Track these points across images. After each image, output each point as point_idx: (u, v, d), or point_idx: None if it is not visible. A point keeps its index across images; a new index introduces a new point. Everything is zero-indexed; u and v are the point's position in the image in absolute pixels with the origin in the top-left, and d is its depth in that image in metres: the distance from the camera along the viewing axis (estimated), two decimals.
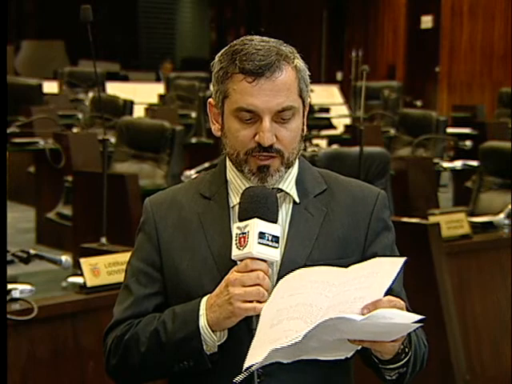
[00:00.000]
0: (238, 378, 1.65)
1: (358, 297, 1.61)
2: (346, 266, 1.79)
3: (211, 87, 1.90)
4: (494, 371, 4.31)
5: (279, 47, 1.83)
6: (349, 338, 1.64)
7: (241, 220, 1.75)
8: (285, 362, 1.68)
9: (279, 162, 1.82)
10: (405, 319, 1.59)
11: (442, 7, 15.56)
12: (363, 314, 1.58)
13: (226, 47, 1.85)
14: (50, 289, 3.16)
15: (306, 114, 1.89)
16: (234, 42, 1.85)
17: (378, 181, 5.13)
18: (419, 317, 1.58)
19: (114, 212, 4.09)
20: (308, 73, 1.87)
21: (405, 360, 1.75)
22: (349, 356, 1.70)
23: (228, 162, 1.90)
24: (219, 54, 1.86)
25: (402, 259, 1.66)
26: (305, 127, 1.88)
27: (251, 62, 1.78)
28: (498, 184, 5.50)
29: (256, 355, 1.62)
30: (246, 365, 1.64)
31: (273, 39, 1.86)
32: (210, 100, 1.90)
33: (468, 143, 8.32)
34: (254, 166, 1.82)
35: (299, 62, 1.85)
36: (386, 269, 1.65)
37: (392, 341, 1.66)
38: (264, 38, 1.85)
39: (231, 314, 1.72)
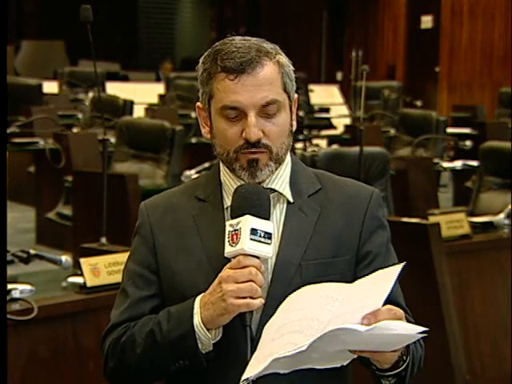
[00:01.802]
0: None
1: (357, 307, 1.61)
2: (341, 265, 1.79)
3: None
4: (494, 371, 4.31)
5: (260, 44, 1.84)
6: (350, 349, 1.64)
7: (233, 217, 1.76)
8: (282, 372, 1.68)
9: (268, 157, 1.82)
10: (408, 330, 1.59)
11: (442, 7, 15.55)
12: (363, 325, 1.57)
13: (209, 49, 1.87)
14: (50, 289, 3.15)
15: (293, 109, 1.89)
16: (216, 43, 1.86)
17: (378, 181, 5.14)
18: (422, 328, 1.58)
19: (113, 212, 4.09)
20: (292, 68, 1.87)
21: (403, 367, 1.75)
22: (345, 364, 1.70)
23: (221, 164, 1.90)
24: (202, 57, 1.88)
25: (399, 267, 1.65)
26: (294, 122, 1.89)
27: (232, 59, 1.79)
28: (498, 184, 5.50)
29: (256, 366, 1.63)
30: (245, 375, 1.64)
31: (255, 38, 1.86)
32: (198, 104, 1.92)
33: (468, 143, 8.33)
34: (243, 161, 1.82)
35: (282, 58, 1.86)
36: (384, 278, 1.65)
37: (392, 351, 1.66)
38: (246, 37, 1.86)
39: (225, 311, 1.72)
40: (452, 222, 4.31)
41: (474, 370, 4.20)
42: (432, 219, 4.28)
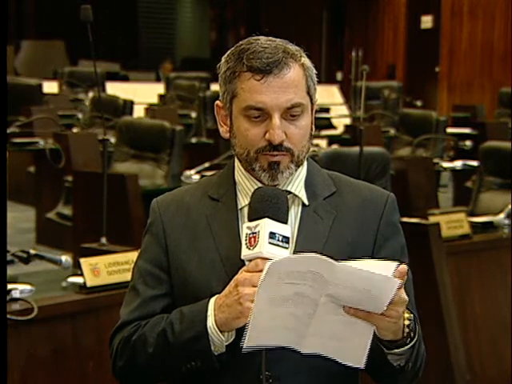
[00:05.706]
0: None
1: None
2: None
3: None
4: (494, 371, 4.31)
5: (286, 45, 1.83)
6: (342, 305, 1.64)
7: (251, 220, 1.74)
8: (300, 350, 1.69)
9: (289, 160, 1.82)
10: (382, 267, 1.61)
11: (442, 7, 15.55)
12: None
13: (233, 48, 1.85)
14: (50, 289, 3.15)
15: (313, 112, 1.89)
16: (240, 42, 1.84)
17: (378, 181, 5.13)
18: (395, 264, 1.60)
19: (113, 212, 4.09)
20: (315, 71, 1.87)
21: (410, 344, 1.73)
22: (362, 366, 1.69)
23: (236, 164, 1.89)
24: (225, 55, 1.85)
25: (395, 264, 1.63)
26: (313, 126, 1.88)
27: (259, 59, 1.78)
28: (498, 184, 5.50)
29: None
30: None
31: (279, 39, 1.85)
32: (218, 102, 1.89)
33: (468, 143, 8.33)
34: (264, 162, 1.81)
35: (306, 60, 1.85)
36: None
37: (385, 315, 1.65)
38: (270, 37, 1.85)
39: (240, 314, 1.71)
40: (452, 222, 4.30)
41: (474, 370, 4.20)
42: (432, 219, 4.28)
